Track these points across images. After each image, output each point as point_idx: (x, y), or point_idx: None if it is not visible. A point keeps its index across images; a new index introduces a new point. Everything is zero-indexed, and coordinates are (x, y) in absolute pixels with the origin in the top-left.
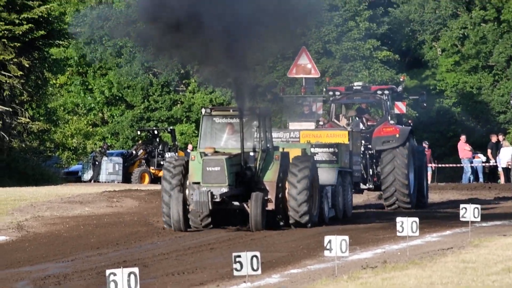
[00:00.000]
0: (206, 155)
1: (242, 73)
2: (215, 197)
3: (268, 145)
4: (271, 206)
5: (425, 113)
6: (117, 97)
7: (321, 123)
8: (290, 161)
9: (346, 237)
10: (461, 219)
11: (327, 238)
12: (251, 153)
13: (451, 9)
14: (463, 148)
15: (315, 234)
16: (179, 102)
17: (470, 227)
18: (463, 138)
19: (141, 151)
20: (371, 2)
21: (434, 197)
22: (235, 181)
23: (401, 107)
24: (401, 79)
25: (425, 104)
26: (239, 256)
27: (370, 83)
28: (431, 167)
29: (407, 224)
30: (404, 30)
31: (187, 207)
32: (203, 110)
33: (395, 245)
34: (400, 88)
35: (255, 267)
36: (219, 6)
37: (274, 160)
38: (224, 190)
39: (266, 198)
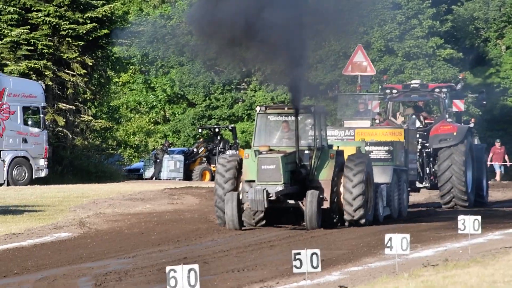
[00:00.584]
0: (261, 153)
1: (298, 71)
2: (271, 195)
3: (323, 143)
4: (326, 205)
5: (488, 111)
6: (179, 95)
7: (377, 121)
8: (345, 159)
9: (407, 235)
10: None
11: (387, 236)
12: (306, 151)
13: None
14: None
15: (375, 232)
16: (240, 100)
17: None
18: None
19: (202, 148)
20: (434, 0)
21: (497, 195)
22: (290, 179)
23: (459, 105)
24: (460, 77)
25: (484, 102)
26: (299, 254)
27: (433, 81)
28: (506, 165)
29: (469, 222)
30: (468, 27)
31: (241, 205)
32: (257, 108)
33: (456, 243)
34: (459, 86)
35: (315, 265)
36: (275, 9)
37: (329, 158)
38: (279, 188)
39: (321, 196)
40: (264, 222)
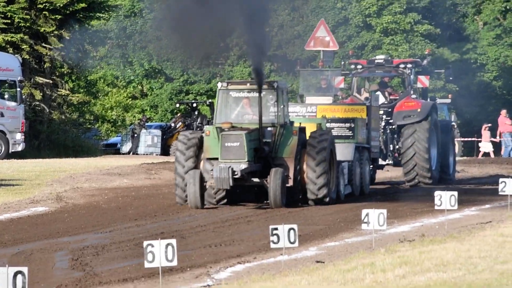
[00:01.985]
0: (223, 130)
1: (259, 46)
2: (236, 173)
3: (285, 120)
4: (290, 183)
5: (465, 87)
6: (157, 70)
7: (339, 97)
8: (307, 136)
9: (384, 210)
10: (500, 193)
11: (364, 212)
12: (269, 128)
13: None
14: (504, 122)
15: (352, 208)
16: (218, 75)
17: (509, 200)
18: (503, 112)
19: (180, 124)
20: None
21: (473, 170)
22: (254, 157)
23: (424, 81)
24: (426, 52)
25: (451, 78)
26: (276, 229)
27: (410, 56)
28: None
29: (445, 198)
30: (445, 3)
31: (204, 183)
32: (219, 84)
33: (433, 218)
34: (424, 62)
35: (292, 240)
36: None
37: (292, 135)
38: (244, 166)
39: (285, 174)
40: (225, 201)
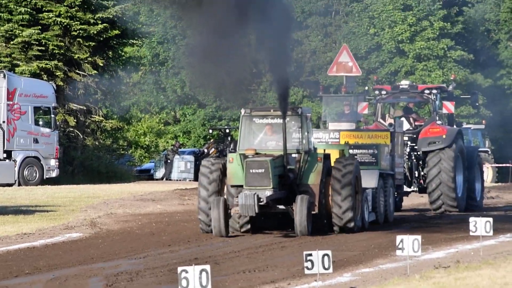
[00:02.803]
0: (247, 157)
1: (283, 71)
2: (261, 200)
3: (310, 147)
4: (315, 210)
5: (499, 113)
6: (189, 96)
7: (363, 123)
8: (332, 163)
9: (419, 237)
10: None
11: (399, 238)
12: (293, 155)
13: None
14: None
15: (386, 234)
16: (251, 101)
17: None
18: None
19: (213, 149)
20: (445, 2)
21: (508, 197)
22: (278, 184)
23: (449, 107)
24: (451, 78)
25: (477, 104)
26: (310, 255)
27: (443, 82)
28: None
29: (480, 224)
30: (479, 29)
31: (228, 211)
32: (242, 111)
33: (468, 245)
34: (450, 88)
35: (326, 266)
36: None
37: (317, 162)
38: (269, 193)
39: (311, 201)
40: (249, 227)
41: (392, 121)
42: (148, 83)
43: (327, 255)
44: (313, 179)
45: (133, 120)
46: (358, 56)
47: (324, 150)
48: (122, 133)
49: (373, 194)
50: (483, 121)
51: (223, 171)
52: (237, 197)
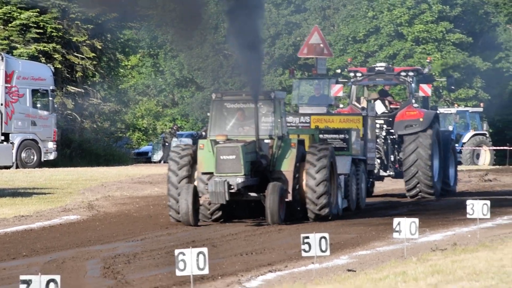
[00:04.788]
0: (218, 143)
1: (254, 54)
2: (232, 187)
3: (283, 132)
4: (288, 197)
5: (498, 96)
6: (188, 79)
7: (334, 107)
8: (306, 148)
9: (416, 219)
10: None
11: (396, 220)
12: (266, 140)
13: None
14: None
15: (383, 216)
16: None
17: None
18: None
19: None
20: None
21: (505, 179)
22: (250, 171)
23: (426, 89)
24: (427, 61)
25: (453, 87)
26: (308, 237)
27: (442, 65)
28: None
29: (477, 207)
30: (477, 12)
31: (198, 199)
32: (213, 95)
33: (465, 227)
34: (426, 70)
35: (323, 248)
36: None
37: (290, 148)
38: (240, 180)
39: (284, 188)
40: (220, 214)
41: (367, 104)
42: (146, 66)
43: (325, 237)
44: (287, 165)
45: (131, 103)
46: (357, 39)
47: (298, 136)
48: (120, 116)
49: (346, 180)
50: (481, 104)
51: (194, 157)
52: (207, 184)
